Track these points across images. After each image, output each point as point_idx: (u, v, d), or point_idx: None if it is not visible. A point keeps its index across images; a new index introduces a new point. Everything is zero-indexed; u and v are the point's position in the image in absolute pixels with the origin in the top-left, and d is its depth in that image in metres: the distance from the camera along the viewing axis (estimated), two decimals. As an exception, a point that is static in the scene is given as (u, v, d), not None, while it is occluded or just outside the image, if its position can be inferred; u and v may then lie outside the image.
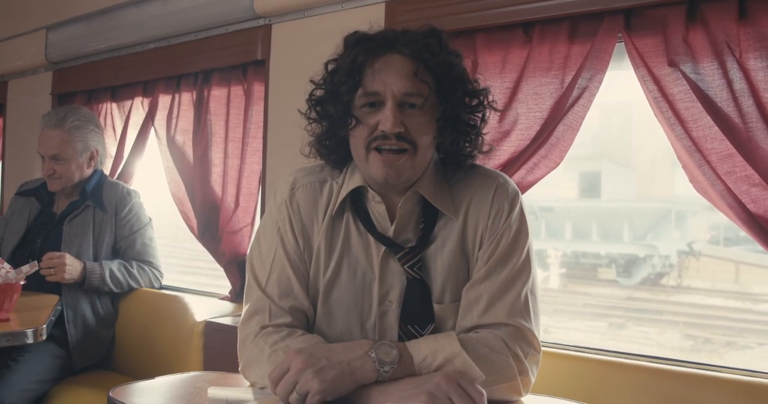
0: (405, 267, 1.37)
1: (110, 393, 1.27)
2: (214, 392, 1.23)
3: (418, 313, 1.37)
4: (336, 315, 1.41)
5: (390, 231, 1.39)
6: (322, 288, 1.41)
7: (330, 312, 1.41)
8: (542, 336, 1.37)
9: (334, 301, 1.41)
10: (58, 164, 2.67)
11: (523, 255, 1.37)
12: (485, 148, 1.44)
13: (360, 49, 1.33)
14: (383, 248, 1.39)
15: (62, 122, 2.67)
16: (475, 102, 1.40)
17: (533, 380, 1.32)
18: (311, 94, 1.42)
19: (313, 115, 1.42)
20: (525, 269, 1.37)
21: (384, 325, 1.39)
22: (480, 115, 1.41)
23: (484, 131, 1.43)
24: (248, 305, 1.42)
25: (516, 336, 1.30)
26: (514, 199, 1.40)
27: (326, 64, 1.40)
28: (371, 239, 1.40)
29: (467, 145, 1.40)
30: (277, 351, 1.30)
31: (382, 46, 1.33)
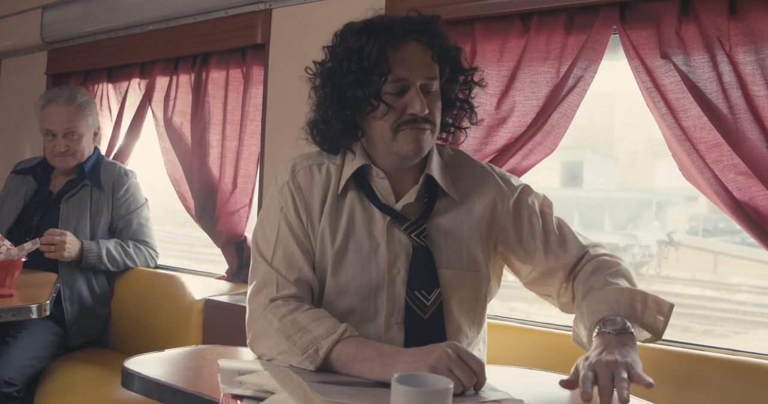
0: (411, 236, 1.46)
1: (125, 364, 1.31)
2: (225, 363, 1.26)
3: (425, 279, 1.45)
4: (345, 287, 1.47)
5: (396, 205, 1.48)
6: (330, 263, 1.47)
7: (339, 284, 1.47)
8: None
9: (343, 274, 1.47)
10: (71, 140, 2.69)
11: (554, 213, 1.60)
12: (475, 120, 1.58)
13: (385, 38, 1.39)
14: (388, 219, 1.47)
15: (73, 98, 2.69)
16: (470, 77, 1.53)
17: None
18: (326, 78, 1.46)
19: (331, 99, 1.46)
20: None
21: (392, 292, 1.46)
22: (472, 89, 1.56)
23: (481, 117, 1.58)
24: (255, 281, 1.47)
25: (598, 246, 1.56)
26: (524, 188, 1.62)
27: (336, 51, 1.44)
28: (376, 213, 1.48)
29: (465, 118, 1.57)
30: (286, 323, 1.34)
31: (402, 35, 1.41)
